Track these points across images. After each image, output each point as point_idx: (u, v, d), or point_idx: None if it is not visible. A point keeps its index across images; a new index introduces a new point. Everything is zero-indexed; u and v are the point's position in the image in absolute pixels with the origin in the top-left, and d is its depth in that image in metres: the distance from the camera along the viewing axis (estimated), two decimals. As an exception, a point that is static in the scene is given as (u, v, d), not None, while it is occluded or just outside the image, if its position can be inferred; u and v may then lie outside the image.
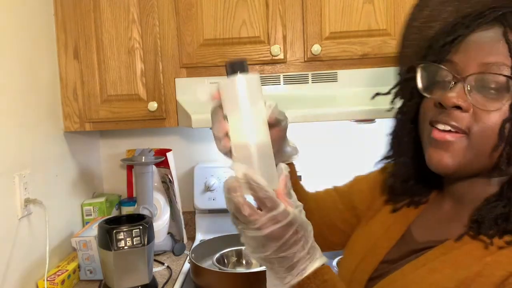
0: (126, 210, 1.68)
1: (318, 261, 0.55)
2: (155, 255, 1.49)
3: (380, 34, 1.32)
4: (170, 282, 1.37)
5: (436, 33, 0.67)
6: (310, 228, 0.56)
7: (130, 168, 1.75)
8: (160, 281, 1.37)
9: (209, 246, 1.49)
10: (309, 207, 0.73)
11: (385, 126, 0.76)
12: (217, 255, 1.42)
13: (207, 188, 1.64)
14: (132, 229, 1.22)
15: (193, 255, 1.39)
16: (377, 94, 0.77)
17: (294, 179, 0.75)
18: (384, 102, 0.74)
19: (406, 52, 0.73)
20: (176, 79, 1.38)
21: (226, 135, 0.60)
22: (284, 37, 1.35)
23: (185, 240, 1.67)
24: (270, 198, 0.53)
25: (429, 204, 0.72)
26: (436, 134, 0.60)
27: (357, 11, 1.31)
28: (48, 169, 1.38)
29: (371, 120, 1.40)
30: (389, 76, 0.80)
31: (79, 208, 1.60)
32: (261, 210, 0.53)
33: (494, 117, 0.57)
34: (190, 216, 1.75)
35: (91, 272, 1.38)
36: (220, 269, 1.33)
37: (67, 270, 1.32)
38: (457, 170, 0.60)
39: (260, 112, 0.59)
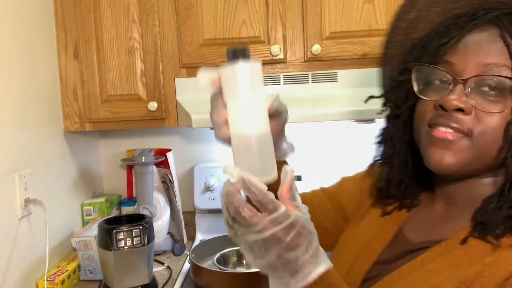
0: (126, 210, 1.68)
1: (323, 265, 0.53)
2: (155, 255, 1.49)
3: (380, 34, 1.31)
4: (170, 282, 1.37)
5: (428, 34, 0.66)
6: (314, 230, 0.54)
7: (130, 168, 1.75)
8: (160, 281, 1.37)
9: (209, 246, 1.49)
10: None
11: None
12: (217, 255, 1.42)
13: (207, 188, 1.64)
14: (132, 229, 1.22)
15: (193, 255, 1.39)
16: (371, 97, 0.76)
17: (275, 188, 0.74)
18: (384, 102, 0.74)
19: (390, 53, 0.73)
20: (176, 79, 1.38)
21: (226, 123, 0.58)
22: (284, 37, 1.35)
23: (185, 240, 1.67)
24: (269, 200, 0.51)
25: (419, 205, 0.71)
26: (437, 133, 0.59)
27: (357, 11, 1.31)
28: (48, 169, 1.38)
29: (371, 120, 1.40)
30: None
31: (79, 208, 1.60)
32: (261, 213, 0.52)
33: (496, 119, 0.57)
34: (190, 216, 1.75)
35: (91, 272, 1.38)
36: (220, 269, 1.33)
37: (67, 270, 1.32)
38: (458, 170, 0.60)
39: (261, 101, 0.58)
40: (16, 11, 1.24)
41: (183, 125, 1.36)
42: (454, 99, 0.57)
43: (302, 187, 0.89)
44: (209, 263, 1.42)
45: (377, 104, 0.75)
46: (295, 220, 0.52)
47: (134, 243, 1.22)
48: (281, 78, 1.35)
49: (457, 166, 0.59)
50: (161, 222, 1.60)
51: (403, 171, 0.70)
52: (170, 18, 1.37)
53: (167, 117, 1.41)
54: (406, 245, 0.66)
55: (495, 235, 0.57)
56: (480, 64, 0.57)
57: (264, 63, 1.36)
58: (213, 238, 1.54)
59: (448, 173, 0.61)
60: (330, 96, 1.32)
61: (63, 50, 1.41)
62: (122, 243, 1.21)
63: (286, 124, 0.69)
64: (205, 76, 0.58)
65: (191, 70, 1.38)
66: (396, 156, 0.70)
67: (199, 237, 1.69)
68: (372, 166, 0.77)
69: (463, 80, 0.57)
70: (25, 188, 1.22)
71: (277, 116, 0.62)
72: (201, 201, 1.66)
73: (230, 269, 1.42)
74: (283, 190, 0.54)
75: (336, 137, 1.69)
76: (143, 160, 1.48)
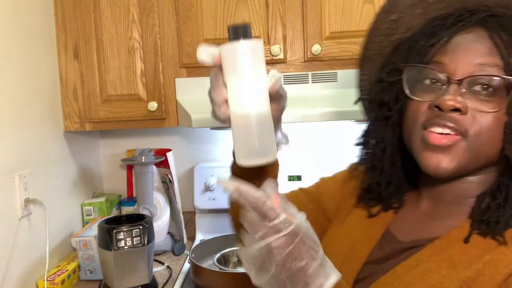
0: (126, 210, 1.68)
1: (333, 275, 0.51)
2: (155, 255, 1.49)
3: (380, 34, 1.32)
4: (170, 282, 1.37)
5: (414, 35, 0.66)
6: (317, 239, 0.52)
7: (130, 168, 1.75)
8: (160, 281, 1.37)
9: (209, 246, 1.50)
10: None
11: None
12: (218, 255, 1.42)
13: (207, 188, 1.64)
14: (132, 229, 1.22)
15: (193, 255, 1.39)
16: (360, 99, 0.76)
17: (274, 173, 0.73)
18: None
19: (369, 54, 0.73)
20: (176, 79, 1.38)
21: (226, 102, 0.57)
22: (284, 37, 1.35)
23: (185, 240, 1.67)
24: (268, 207, 0.50)
25: (405, 205, 0.71)
26: (433, 139, 0.59)
27: (357, 11, 1.31)
28: (48, 169, 1.38)
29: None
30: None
31: (79, 208, 1.60)
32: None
33: (491, 119, 0.57)
34: (190, 216, 1.75)
35: (91, 272, 1.38)
36: (220, 269, 1.33)
37: (67, 270, 1.32)
38: (456, 172, 0.60)
39: (262, 81, 0.56)
40: (16, 11, 1.24)
41: (183, 125, 1.36)
42: (450, 99, 0.57)
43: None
44: (209, 263, 1.42)
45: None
46: (298, 227, 0.50)
47: (134, 243, 1.22)
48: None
49: (455, 169, 0.59)
50: (161, 222, 1.60)
51: (392, 172, 0.70)
52: (170, 18, 1.37)
53: (167, 117, 1.41)
54: (395, 244, 0.66)
55: (499, 232, 0.57)
56: (472, 64, 0.58)
57: (264, 63, 1.36)
58: (213, 238, 1.54)
59: (445, 176, 0.61)
60: (330, 96, 1.32)
61: (63, 50, 1.41)
62: (122, 243, 1.21)
63: (283, 114, 0.67)
64: (205, 51, 0.57)
65: (191, 70, 1.38)
66: (386, 158, 0.69)
67: (199, 237, 1.69)
68: (356, 167, 0.76)
69: (458, 80, 0.58)
70: (25, 188, 1.22)
71: (277, 99, 0.60)
72: (201, 201, 1.66)
73: (230, 269, 1.42)
74: (274, 204, 0.51)
75: (336, 137, 1.69)
76: (143, 160, 1.48)
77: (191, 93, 1.37)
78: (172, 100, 1.39)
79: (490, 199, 0.60)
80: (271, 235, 0.49)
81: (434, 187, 0.66)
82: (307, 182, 0.90)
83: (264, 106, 0.56)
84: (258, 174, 0.68)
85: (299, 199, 0.84)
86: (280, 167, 0.74)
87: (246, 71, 0.55)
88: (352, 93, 0.77)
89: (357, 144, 0.74)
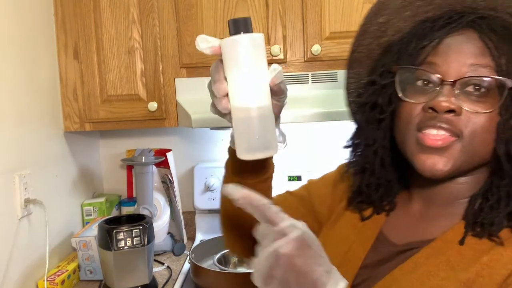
0: (126, 210, 1.68)
1: (342, 283, 0.50)
2: (155, 255, 1.49)
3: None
4: (170, 282, 1.37)
5: (404, 37, 0.66)
6: (319, 244, 0.52)
7: (130, 168, 1.75)
8: (160, 281, 1.37)
9: (209, 246, 1.50)
10: None
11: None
12: (218, 255, 1.42)
13: (207, 188, 1.64)
14: (132, 229, 1.22)
15: (193, 255, 1.39)
16: (352, 102, 0.76)
17: (270, 173, 0.72)
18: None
19: (357, 57, 0.73)
20: (176, 79, 1.38)
21: (226, 95, 0.57)
22: (284, 37, 1.35)
23: (185, 240, 1.67)
24: (273, 212, 0.50)
25: (397, 207, 0.71)
26: (428, 141, 0.59)
27: (357, 11, 1.31)
28: (48, 169, 1.38)
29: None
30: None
31: (79, 208, 1.60)
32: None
33: (485, 119, 0.58)
34: (190, 216, 1.75)
35: (91, 272, 1.38)
36: (220, 269, 1.33)
37: (67, 270, 1.32)
38: (451, 173, 0.60)
39: (263, 74, 0.56)
40: (16, 11, 1.24)
41: (183, 125, 1.36)
42: (445, 100, 0.57)
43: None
44: (209, 263, 1.42)
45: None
46: (304, 232, 0.50)
47: (134, 243, 1.22)
48: (281, 78, 1.35)
49: (451, 170, 0.59)
50: (161, 222, 1.60)
51: (382, 174, 0.69)
52: (170, 18, 1.37)
53: (167, 117, 1.41)
54: (390, 247, 0.66)
55: (494, 233, 0.57)
56: (465, 65, 0.58)
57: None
58: (213, 238, 1.54)
59: (441, 178, 0.61)
60: (330, 96, 1.32)
61: (63, 50, 1.41)
62: (122, 243, 1.21)
63: (282, 112, 0.66)
64: (204, 40, 0.56)
65: (191, 70, 1.38)
66: (378, 161, 0.69)
67: (199, 237, 1.69)
68: (346, 169, 0.75)
69: (451, 81, 0.58)
70: (25, 188, 1.22)
71: (278, 93, 0.59)
72: (201, 201, 1.66)
73: (230, 269, 1.42)
74: (271, 217, 0.51)
75: (336, 137, 1.69)
76: (143, 160, 1.48)
77: (191, 93, 1.37)
78: (172, 100, 1.39)
79: (483, 200, 0.60)
80: (278, 240, 0.49)
81: (425, 188, 0.66)
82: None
83: (265, 100, 0.56)
84: (253, 172, 0.69)
85: (289, 203, 0.82)
86: (275, 168, 0.73)
87: (247, 64, 0.55)
88: (352, 94, 0.77)
89: (347, 147, 0.74)
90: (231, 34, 0.55)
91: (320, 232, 0.78)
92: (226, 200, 0.73)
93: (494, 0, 0.61)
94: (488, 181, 0.61)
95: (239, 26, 0.55)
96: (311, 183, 0.86)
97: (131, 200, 1.71)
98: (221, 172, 1.65)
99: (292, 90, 1.36)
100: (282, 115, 0.65)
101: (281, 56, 1.35)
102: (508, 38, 0.58)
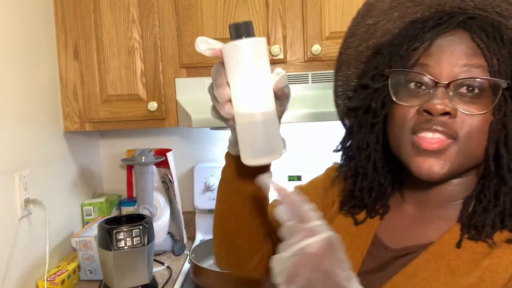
0: (126, 210, 1.68)
1: None
2: (155, 255, 1.49)
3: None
4: (170, 282, 1.37)
5: (395, 39, 0.65)
6: (344, 249, 0.52)
7: (130, 168, 1.75)
8: (160, 281, 1.37)
9: (209, 246, 1.49)
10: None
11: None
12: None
13: (207, 188, 1.64)
14: (132, 229, 1.22)
15: (193, 255, 1.39)
16: (341, 105, 0.76)
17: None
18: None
19: (345, 59, 0.72)
20: (176, 79, 1.38)
21: (229, 101, 0.56)
22: (284, 37, 1.35)
23: (185, 240, 1.67)
24: (308, 210, 0.50)
25: (390, 210, 0.70)
26: (425, 145, 0.58)
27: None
28: (48, 169, 1.38)
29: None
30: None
31: (79, 208, 1.60)
32: None
33: (480, 120, 0.57)
34: (190, 216, 1.75)
35: (91, 272, 1.38)
36: (220, 269, 1.33)
37: (67, 270, 1.32)
38: (448, 176, 0.60)
39: (266, 79, 0.55)
40: (16, 11, 1.24)
41: (183, 125, 1.36)
42: (440, 103, 0.56)
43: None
44: (209, 263, 1.42)
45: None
46: (332, 234, 0.50)
47: (134, 243, 1.22)
48: (281, 78, 1.35)
49: (448, 172, 0.59)
50: (161, 222, 1.60)
51: (375, 178, 0.69)
52: (170, 18, 1.37)
53: (167, 117, 1.41)
54: (387, 252, 0.65)
55: (488, 236, 0.57)
56: (457, 65, 0.58)
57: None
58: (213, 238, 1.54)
59: (438, 180, 0.60)
60: (330, 96, 1.32)
61: (63, 50, 1.41)
62: (122, 243, 1.21)
63: (282, 117, 0.66)
64: (204, 42, 0.56)
65: (191, 70, 1.38)
66: (371, 165, 0.68)
67: (199, 237, 1.69)
68: (337, 174, 0.74)
69: (445, 84, 0.57)
70: (25, 188, 1.23)
71: (281, 98, 0.59)
72: (201, 201, 1.66)
73: (230, 269, 1.42)
74: (302, 214, 0.51)
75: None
76: (143, 160, 1.48)
77: (191, 93, 1.37)
78: (172, 100, 1.39)
79: (476, 202, 0.60)
80: (308, 238, 0.49)
81: (419, 191, 0.66)
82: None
83: (269, 104, 0.56)
84: (253, 179, 0.66)
85: None
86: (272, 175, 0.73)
87: (250, 69, 0.54)
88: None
89: (338, 150, 0.73)
90: (232, 38, 0.55)
91: None
92: (225, 210, 0.71)
93: (482, 0, 0.61)
94: (480, 182, 0.61)
95: (241, 30, 0.54)
96: (299, 188, 0.85)
97: (131, 200, 1.71)
98: (221, 172, 1.66)
99: (292, 90, 1.34)
100: (281, 117, 0.64)
101: (281, 56, 1.35)
102: (498, 37, 0.58)
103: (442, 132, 0.57)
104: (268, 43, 1.34)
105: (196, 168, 1.69)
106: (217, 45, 0.56)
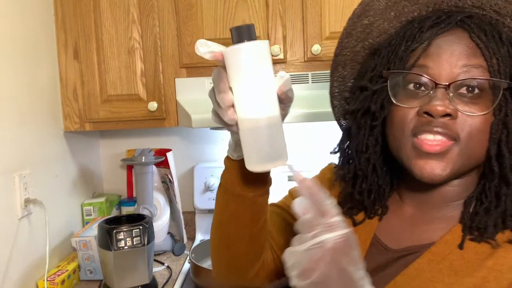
0: (126, 210, 1.68)
1: None
2: (155, 255, 1.49)
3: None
4: (170, 282, 1.37)
5: (392, 40, 0.64)
6: (359, 249, 0.51)
7: (130, 168, 1.75)
8: (160, 281, 1.37)
9: (209, 246, 1.48)
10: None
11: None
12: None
13: (207, 188, 1.64)
14: (132, 229, 1.22)
15: (193, 255, 1.39)
16: (337, 106, 0.75)
17: (269, 187, 0.68)
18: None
19: (341, 60, 0.72)
20: (176, 79, 1.38)
21: (232, 106, 0.54)
22: (284, 37, 1.35)
23: (185, 240, 1.67)
24: (330, 205, 0.50)
25: (389, 210, 0.70)
26: (426, 147, 0.57)
27: (357, 11, 1.31)
28: (48, 169, 1.38)
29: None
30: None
31: (79, 208, 1.60)
32: None
33: (480, 121, 0.57)
34: (190, 216, 1.75)
35: (91, 272, 1.38)
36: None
37: (67, 270, 1.32)
38: (450, 177, 0.59)
39: (270, 83, 0.54)
40: (16, 11, 1.24)
41: (183, 125, 1.36)
42: (440, 104, 0.56)
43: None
44: (209, 263, 1.42)
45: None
46: (350, 231, 0.49)
47: (134, 243, 1.22)
48: (281, 78, 1.35)
49: (450, 174, 0.58)
50: (161, 222, 1.60)
51: (374, 180, 0.68)
52: (170, 18, 1.37)
53: (167, 117, 1.41)
54: (388, 253, 0.64)
55: (491, 236, 0.57)
56: (457, 66, 0.57)
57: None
58: (213, 238, 1.54)
59: (439, 182, 0.60)
60: (330, 96, 1.32)
61: (63, 50, 1.41)
62: (122, 243, 1.21)
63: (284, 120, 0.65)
64: (204, 45, 0.54)
65: (191, 70, 1.38)
66: (371, 167, 0.67)
67: (199, 237, 1.69)
68: (335, 177, 0.73)
69: (445, 85, 0.56)
70: (25, 188, 1.22)
71: (284, 102, 0.57)
72: (201, 201, 1.66)
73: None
74: (324, 208, 0.50)
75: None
76: (143, 160, 1.48)
77: (191, 93, 1.37)
78: (172, 100, 1.39)
79: (477, 202, 0.60)
80: (327, 233, 0.48)
81: (418, 191, 0.65)
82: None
83: (273, 109, 0.54)
84: (254, 185, 0.65)
85: (279, 216, 0.79)
86: (272, 181, 0.71)
87: (253, 73, 0.52)
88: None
89: (335, 152, 0.73)
90: (234, 42, 0.53)
91: None
92: (226, 222, 0.70)
93: None
94: (481, 183, 0.61)
95: (243, 34, 0.52)
96: (294, 191, 0.83)
97: (131, 200, 1.71)
98: (221, 172, 1.66)
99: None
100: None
101: (281, 56, 1.35)
102: (497, 36, 0.58)
103: (443, 134, 0.57)
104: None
105: (196, 168, 1.69)
106: (217, 48, 0.54)
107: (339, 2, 1.32)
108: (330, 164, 0.80)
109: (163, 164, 1.60)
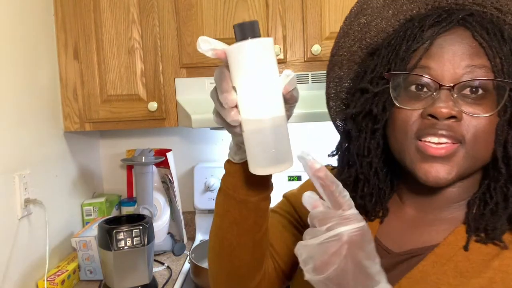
0: (126, 210, 1.68)
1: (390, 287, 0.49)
2: (155, 255, 1.49)
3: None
4: (170, 282, 1.37)
5: (393, 39, 0.62)
6: (374, 244, 0.50)
7: (130, 168, 1.75)
8: (160, 281, 1.37)
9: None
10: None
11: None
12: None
13: (207, 188, 1.64)
14: (132, 229, 1.22)
15: (193, 255, 1.39)
16: (333, 107, 0.73)
17: (271, 191, 0.66)
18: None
19: (338, 60, 0.70)
20: (176, 79, 1.38)
21: (236, 106, 0.52)
22: (284, 37, 1.35)
23: (185, 240, 1.67)
24: (346, 197, 0.48)
25: (389, 212, 0.69)
26: (431, 151, 0.56)
27: (357, 11, 1.31)
28: (48, 169, 1.38)
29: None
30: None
31: (79, 208, 1.60)
32: None
33: (485, 122, 0.56)
34: (190, 216, 1.75)
35: (91, 272, 1.38)
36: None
37: (67, 270, 1.32)
38: (455, 180, 0.58)
39: (275, 82, 0.51)
40: (16, 11, 1.24)
41: (183, 125, 1.36)
42: (445, 106, 0.54)
43: (302, 187, 0.89)
44: (209, 263, 1.42)
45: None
46: (366, 225, 0.48)
47: (134, 243, 1.22)
48: (281, 78, 1.35)
49: (455, 177, 0.57)
50: (161, 222, 1.60)
51: (375, 183, 0.67)
52: (170, 18, 1.37)
53: (167, 117, 1.41)
54: (390, 257, 0.63)
55: (498, 238, 0.56)
56: (460, 66, 0.55)
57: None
58: (213, 238, 1.54)
59: (444, 185, 0.59)
60: (330, 96, 1.32)
61: (63, 50, 1.41)
62: (122, 243, 1.21)
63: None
64: (206, 42, 0.52)
65: (191, 70, 1.38)
66: (373, 171, 0.66)
67: (199, 237, 1.69)
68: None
69: (449, 86, 0.55)
70: (25, 188, 1.22)
71: (289, 102, 0.54)
72: (201, 201, 1.66)
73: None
74: (339, 200, 0.49)
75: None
76: (143, 160, 1.48)
77: (191, 93, 1.37)
78: (172, 100, 1.39)
79: (480, 203, 0.59)
80: (343, 226, 0.47)
81: (419, 193, 0.64)
82: (307, 182, 0.89)
83: (279, 109, 0.51)
84: (257, 189, 0.63)
85: (278, 222, 0.77)
86: (273, 186, 0.70)
87: (258, 72, 0.50)
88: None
89: (334, 155, 0.71)
90: (237, 39, 0.51)
91: None
92: (227, 229, 0.68)
93: None
94: (485, 184, 0.60)
95: (246, 30, 0.50)
96: (291, 195, 0.82)
97: (131, 200, 1.71)
98: (221, 172, 1.66)
99: (292, 90, 1.36)
100: None
101: (281, 56, 1.35)
102: (499, 35, 0.56)
103: (448, 136, 0.55)
104: (268, 43, 1.34)
105: (196, 168, 1.69)
106: (219, 45, 0.53)
107: (339, 2, 1.32)
108: (327, 166, 0.79)
109: (163, 164, 1.60)
